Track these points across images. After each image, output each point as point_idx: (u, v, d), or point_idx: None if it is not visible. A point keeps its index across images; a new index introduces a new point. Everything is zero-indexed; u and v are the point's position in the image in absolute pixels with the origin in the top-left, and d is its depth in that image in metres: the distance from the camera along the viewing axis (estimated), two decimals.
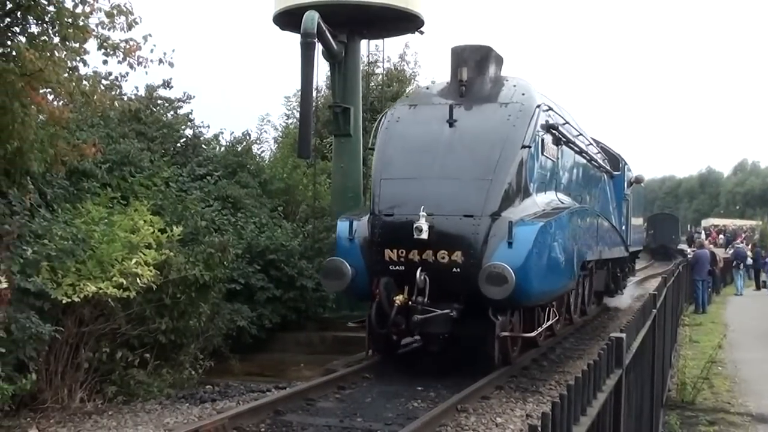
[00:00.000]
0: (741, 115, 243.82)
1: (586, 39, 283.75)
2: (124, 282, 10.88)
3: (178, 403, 11.27)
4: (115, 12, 11.88)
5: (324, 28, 16.27)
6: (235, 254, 14.69)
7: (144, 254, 11.51)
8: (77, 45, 11.80)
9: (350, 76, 18.58)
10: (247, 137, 25.49)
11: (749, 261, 34.48)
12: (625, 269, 24.68)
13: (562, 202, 14.17)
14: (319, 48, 16.47)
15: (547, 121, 13.52)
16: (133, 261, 11.23)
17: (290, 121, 33.63)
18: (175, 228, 12.60)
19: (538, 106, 13.11)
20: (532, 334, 12.96)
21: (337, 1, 17.45)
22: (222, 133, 24.10)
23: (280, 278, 16.50)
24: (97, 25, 11.89)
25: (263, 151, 29.33)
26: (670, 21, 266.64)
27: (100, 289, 10.55)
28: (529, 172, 12.78)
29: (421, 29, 19.76)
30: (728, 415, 10.39)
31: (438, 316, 11.66)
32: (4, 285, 9.13)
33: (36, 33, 11.84)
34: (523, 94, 13.18)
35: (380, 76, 29.61)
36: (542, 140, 13.34)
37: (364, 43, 20.22)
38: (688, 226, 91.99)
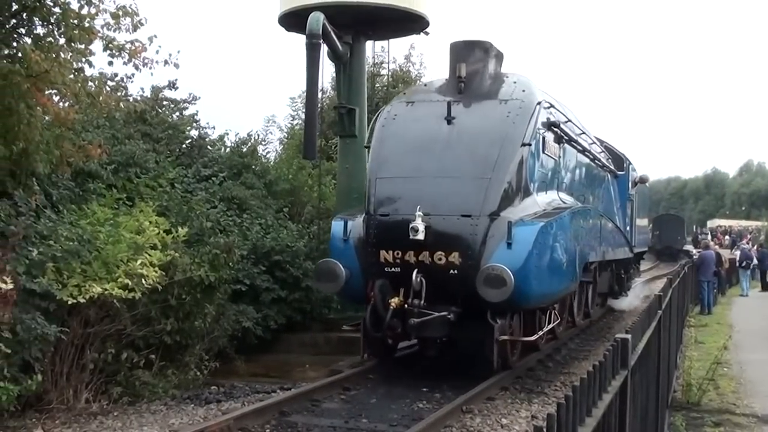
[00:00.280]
0: (746, 115, 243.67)
1: (592, 40, 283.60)
2: (130, 283, 10.90)
3: (184, 404, 11.28)
4: (120, 13, 11.92)
5: (329, 29, 16.25)
6: (241, 255, 14.70)
7: (149, 255, 11.52)
8: (83, 46, 11.85)
9: (355, 77, 18.56)
10: (254, 138, 25.52)
11: (754, 262, 34.40)
12: (630, 270, 24.31)
13: (564, 202, 13.83)
14: (324, 49, 16.45)
15: (548, 119, 13.20)
16: (139, 262, 11.24)
17: (295, 122, 33.66)
18: (180, 229, 12.61)
19: (539, 103, 12.77)
20: (532, 338, 12.55)
21: (343, 2, 17.43)
22: (227, 134, 24.15)
23: (286, 279, 16.49)
24: (102, 27, 11.97)
25: (268, 152, 29.43)
26: (675, 21, 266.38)
27: (106, 290, 10.57)
28: (530, 170, 12.46)
29: (427, 30, 19.73)
30: (734, 416, 10.37)
31: (435, 320, 11.34)
32: (10, 286, 9.14)
33: (42, 34, 11.89)
34: (524, 91, 12.86)
35: (385, 77, 29.60)
36: (543, 138, 13.01)
37: (369, 44, 20.21)
38: (694, 227, 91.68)
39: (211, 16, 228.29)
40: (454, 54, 13.40)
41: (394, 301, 11.37)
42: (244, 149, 23.18)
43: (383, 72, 29.19)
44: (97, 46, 12.04)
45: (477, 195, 11.65)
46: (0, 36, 11.44)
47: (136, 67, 12.44)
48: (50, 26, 11.81)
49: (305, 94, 17.08)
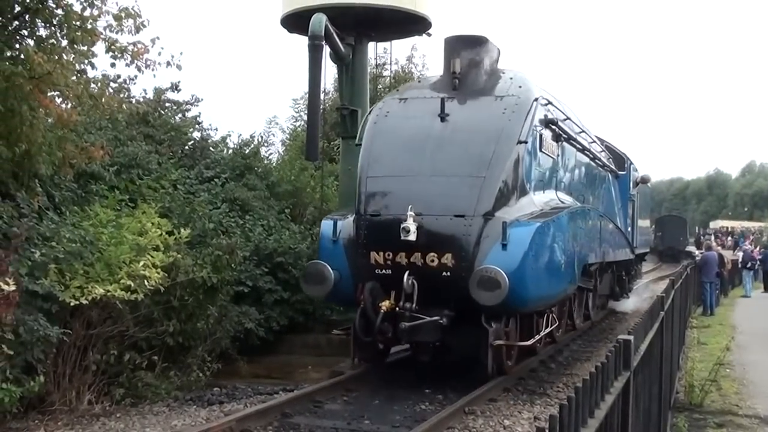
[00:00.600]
0: (748, 116, 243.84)
1: (595, 41, 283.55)
2: (132, 284, 10.90)
3: (186, 405, 11.28)
4: (122, 15, 11.92)
5: (332, 30, 16.25)
6: (243, 256, 14.70)
7: (152, 256, 11.52)
8: (85, 48, 11.85)
9: (358, 78, 18.56)
10: (257, 140, 25.54)
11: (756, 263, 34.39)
12: (631, 272, 24.00)
13: (563, 202, 13.46)
14: (326, 50, 16.46)
15: (545, 116, 12.82)
16: (141, 263, 11.24)
17: (298, 123, 33.71)
18: (182, 230, 12.61)
19: (536, 100, 12.39)
20: (528, 343, 12.11)
21: (345, 3, 17.43)
22: (230, 135, 24.18)
23: (288, 280, 16.49)
24: (105, 28, 11.97)
25: (271, 154, 29.41)
26: (678, 22, 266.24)
27: (108, 291, 10.57)
28: (526, 169, 12.07)
29: (429, 31, 19.73)
30: (736, 417, 10.35)
31: (427, 324, 10.99)
32: (13, 287, 9.14)
33: (44, 36, 11.91)
34: (520, 87, 12.47)
35: (388, 78, 29.61)
36: (540, 136, 12.62)
37: (371, 45, 20.22)
38: (696, 228, 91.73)
39: (213, 18, 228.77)
40: (449, 49, 13.04)
41: (385, 305, 11.03)
42: (247, 151, 23.19)
43: (385, 73, 29.16)
44: (99, 47, 12.05)
45: (471, 194, 11.30)
46: (3, 38, 11.45)
47: (139, 69, 12.45)
48: (53, 28, 11.82)
49: (307, 95, 17.10)
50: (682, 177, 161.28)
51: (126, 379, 11.43)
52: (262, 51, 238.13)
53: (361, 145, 12.73)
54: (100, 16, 11.86)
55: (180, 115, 23.38)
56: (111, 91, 13.17)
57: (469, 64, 12.77)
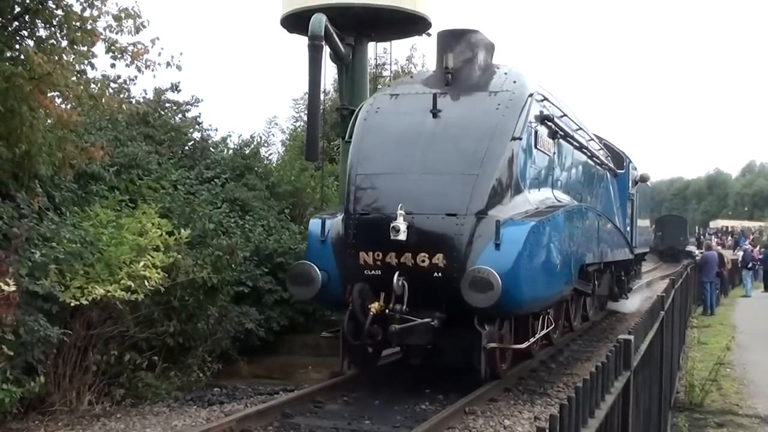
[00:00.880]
0: (749, 116, 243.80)
1: (595, 41, 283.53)
2: (132, 285, 10.89)
3: (186, 406, 11.28)
4: (122, 15, 11.92)
5: (331, 30, 16.24)
6: (243, 257, 14.69)
7: (152, 257, 11.52)
8: (85, 48, 11.85)
9: (358, 79, 18.55)
10: (257, 140, 25.53)
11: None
12: (630, 272, 23.61)
13: (559, 201, 13.17)
14: (326, 51, 16.45)
15: (541, 112, 12.46)
16: (141, 264, 11.24)
17: (298, 123, 33.70)
18: (183, 231, 12.60)
19: (531, 95, 12.04)
20: (523, 346, 11.75)
21: (345, 3, 17.42)
22: (230, 135, 24.17)
23: None
24: (104, 29, 11.97)
25: (271, 154, 29.41)
26: (678, 22, 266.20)
27: (108, 291, 10.56)
28: (521, 166, 11.72)
29: (429, 31, 19.72)
30: (737, 417, 10.36)
31: (417, 326, 10.62)
32: (13, 288, 9.14)
33: (44, 36, 11.91)
34: (515, 82, 12.14)
35: (388, 78, 29.62)
36: (536, 132, 12.28)
37: (371, 45, 20.20)
38: (696, 227, 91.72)
39: (213, 18, 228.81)
40: (441, 44, 12.75)
41: (374, 307, 10.68)
42: (247, 151, 23.18)
43: (385, 73, 29.17)
44: (99, 48, 12.05)
45: (463, 192, 10.94)
46: (3, 38, 11.44)
47: (139, 70, 12.45)
48: (53, 28, 11.82)
49: (307, 95, 17.08)
50: (682, 177, 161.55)
51: (126, 379, 11.43)
52: (262, 51, 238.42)
53: (351, 142, 12.43)
54: (100, 17, 11.87)
55: (180, 116, 23.36)
56: (111, 91, 13.18)
57: (462, 60, 12.46)
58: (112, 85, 17.06)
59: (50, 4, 11.55)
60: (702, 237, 66.14)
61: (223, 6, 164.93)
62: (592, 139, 17.84)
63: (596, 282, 16.67)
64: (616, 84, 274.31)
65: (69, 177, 13.26)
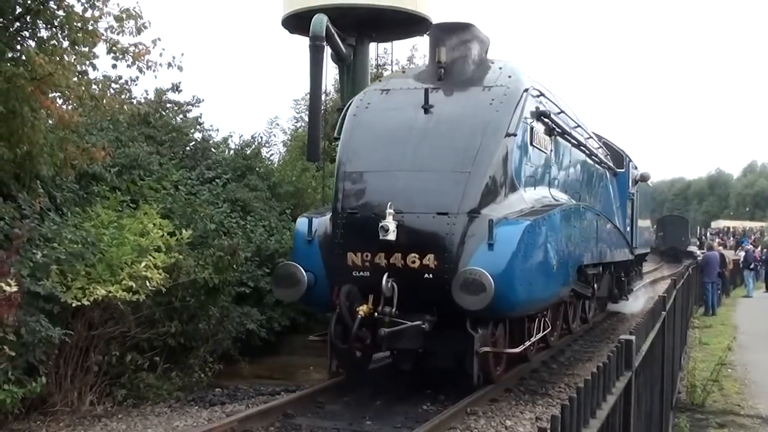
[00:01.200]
0: (750, 116, 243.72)
1: (596, 41, 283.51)
2: (134, 285, 10.88)
3: (188, 406, 11.29)
4: (124, 16, 11.92)
5: (333, 30, 16.25)
6: (245, 257, 14.69)
7: (153, 257, 11.51)
8: (86, 49, 11.84)
9: (359, 79, 18.56)
10: (258, 140, 25.49)
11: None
12: (631, 273, 23.22)
13: (557, 200, 12.84)
14: (327, 51, 16.46)
15: (537, 108, 12.13)
16: (143, 264, 11.23)
17: (299, 124, 33.64)
18: (184, 231, 12.59)
19: (526, 90, 11.70)
20: (518, 350, 11.32)
21: (346, 4, 17.45)
22: (231, 136, 24.13)
23: None
24: (106, 29, 11.95)
25: (272, 154, 29.36)
26: (679, 22, 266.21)
27: (110, 292, 10.56)
28: (516, 164, 11.40)
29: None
30: (738, 417, 10.35)
31: (407, 330, 10.26)
32: (14, 288, 9.14)
33: (45, 37, 11.90)
34: (510, 77, 11.76)
35: None
36: (531, 129, 11.98)
37: (372, 45, 20.24)
38: (698, 228, 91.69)
39: (214, 19, 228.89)
40: (434, 37, 12.40)
41: (363, 309, 10.33)
42: (248, 151, 23.16)
43: (386, 74, 29.19)
44: (100, 48, 12.04)
45: (455, 190, 10.57)
46: (4, 39, 11.44)
47: (140, 70, 12.44)
48: (54, 29, 11.81)
49: (309, 96, 17.09)
50: (683, 177, 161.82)
51: (128, 379, 11.43)
52: (264, 52, 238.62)
53: (339, 138, 12.10)
54: (101, 18, 11.86)
55: (181, 116, 23.33)
56: (112, 92, 13.17)
57: (455, 54, 12.10)
58: (114, 85, 17.04)
59: (52, 4, 11.54)
60: (704, 237, 66.07)
61: (225, 7, 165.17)
62: (591, 137, 17.54)
63: (595, 283, 16.34)
64: (617, 83, 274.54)
65: (70, 177, 13.25)
